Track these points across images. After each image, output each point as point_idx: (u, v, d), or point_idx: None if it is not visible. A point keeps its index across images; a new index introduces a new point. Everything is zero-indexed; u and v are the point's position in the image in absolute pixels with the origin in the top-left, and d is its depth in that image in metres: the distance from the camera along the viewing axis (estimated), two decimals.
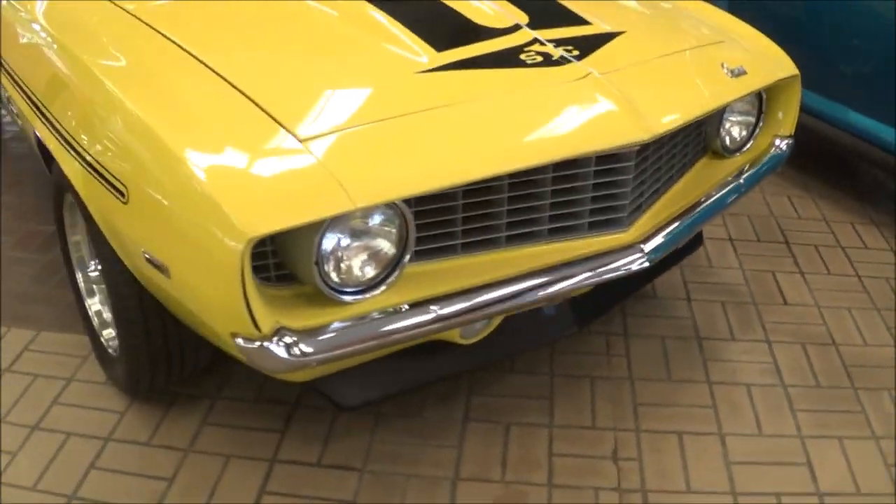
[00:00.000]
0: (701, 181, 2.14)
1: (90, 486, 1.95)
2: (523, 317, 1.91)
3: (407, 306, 1.63)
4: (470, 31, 1.92)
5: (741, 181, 2.15)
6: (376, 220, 1.59)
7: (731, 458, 2.01)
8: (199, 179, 1.48)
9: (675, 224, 1.95)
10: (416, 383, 1.91)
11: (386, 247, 1.62)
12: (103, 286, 2.23)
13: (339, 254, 1.59)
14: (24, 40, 2.18)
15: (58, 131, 1.88)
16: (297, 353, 1.52)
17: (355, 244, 1.60)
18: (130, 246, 1.69)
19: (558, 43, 1.92)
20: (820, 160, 3.36)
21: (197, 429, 2.09)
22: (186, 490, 1.93)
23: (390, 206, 1.56)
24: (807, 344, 2.36)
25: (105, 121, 1.72)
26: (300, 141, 1.55)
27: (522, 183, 1.73)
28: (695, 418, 2.11)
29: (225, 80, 1.70)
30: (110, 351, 2.18)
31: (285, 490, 1.92)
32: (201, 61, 1.76)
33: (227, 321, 1.53)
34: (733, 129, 2.19)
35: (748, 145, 2.23)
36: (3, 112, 3.85)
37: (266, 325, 1.51)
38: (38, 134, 2.08)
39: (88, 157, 1.74)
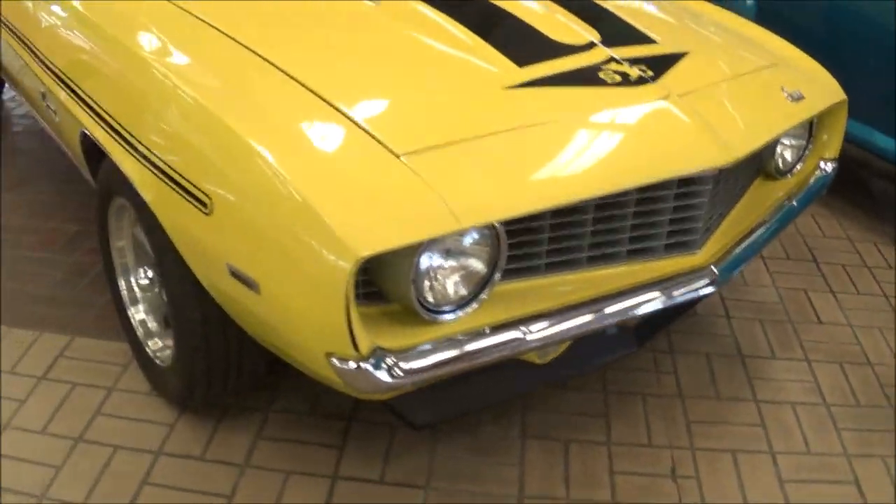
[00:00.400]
0: (756, 204, 2.17)
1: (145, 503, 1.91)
2: (589, 336, 1.92)
3: (488, 329, 1.63)
4: (548, 47, 1.92)
5: (794, 203, 2.19)
6: (472, 239, 1.59)
7: (784, 476, 2.04)
8: (303, 197, 1.45)
9: (742, 246, 1.98)
10: (488, 401, 1.91)
11: (478, 266, 1.61)
12: (149, 294, 2.19)
13: (435, 273, 1.58)
14: (79, 40, 2.11)
15: (123, 137, 1.83)
16: (399, 374, 1.51)
17: (450, 264, 1.59)
18: (210, 258, 1.66)
19: (633, 62, 1.93)
20: (839, 179, 3.43)
21: (252, 443, 2.05)
22: None
23: (487, 225, 1.56)
24: (844, 363, 2.41)
25: (188, 131, 1.68)
26: (398, 156, 1.54)
27: (608, 205, 1.74)
28: (746, 436, 2.14)
29: (314, 92, 1.68)
30: (158, 362, 2.13)
31: None
32: (288, 74, 1.72)
33: (324, 341, 1.50)
34: (786, 153, 2.23)
35: (797, 168, 2.27)
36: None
37: (364, 345, 1.49)
38: (90, 134, 2.02)
39: (164, 167, 1.69)
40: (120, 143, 1.86)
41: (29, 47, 2.43)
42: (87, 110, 2.02)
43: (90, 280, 2.64)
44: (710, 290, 1.87)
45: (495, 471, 2.00)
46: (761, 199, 2.19)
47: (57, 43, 2.24)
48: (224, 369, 1.95)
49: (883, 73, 2.89)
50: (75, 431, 2.09)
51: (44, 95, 2.40)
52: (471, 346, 1.59)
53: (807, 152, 2.28)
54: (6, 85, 4.00)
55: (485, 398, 1.89)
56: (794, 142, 2.24)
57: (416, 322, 1.59)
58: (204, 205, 1.61)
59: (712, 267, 1.89)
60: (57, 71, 2.21)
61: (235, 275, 1.59)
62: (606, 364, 2.20)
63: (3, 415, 2.14)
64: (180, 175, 1.66)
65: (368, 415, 2.14)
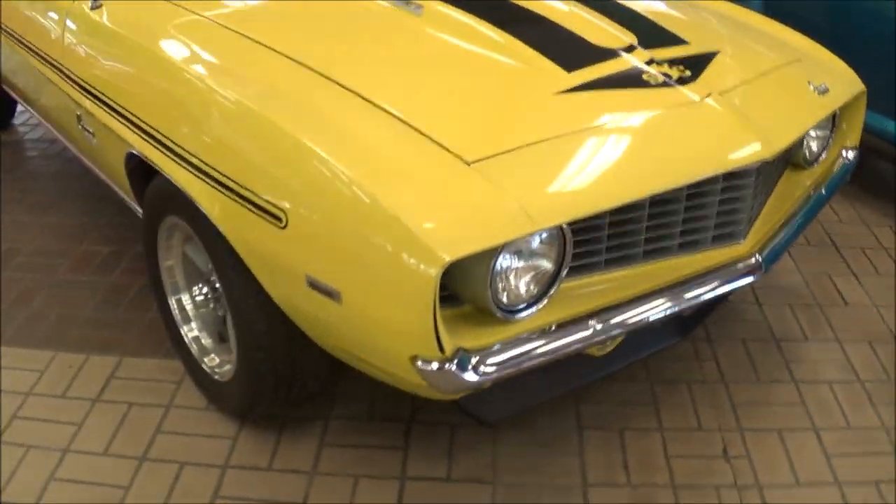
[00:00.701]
0: (787, 194, 2.26)
1: None
2: (640, 328, 2.01)
3: (555, 325, 1.71)
4: (592, 52, 2.00)
5: (822, 191, 2.29)
6: (541, 239, 1.66)
7: (829, 451, 2.14)
8: (384, 205, 1.52)
9: (781, 234, 2.07)
10: (551, 395, 1.98)
11: (547, 265, 1.69)
12: (203, 311, 2.24)
13: (508, 274, 1.65)
14: (125, 61, 2.16)
15: (184, 158, 1.89)
16: (483, 372, 1.58)
17: (522, 264, 1.67)
18: (286, 272, 1.72)
19: (671, 63, 2.01)
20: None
21: (317, 450, 2.11)
22: None
23: (555, 226, 1.63)
24: (872, 341, 2.52)
25: (258, 148, 1.74)
26: (468, 164, 1.61)
27: (661, 201, 1.82)
28: (789, 416, 2.24)
29: (376, 104, 1.75)
30: (217, 377, 2.19)
31: None
32: (347, 88, 1.79)
33: (409, 345, 1.57)
34: (812, 143, 2.33)
35: (822, 157, 2.37)
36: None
37: (449, 347, 1.56)
38: (140, 154, 2.08)
39: (233, 185, 1.75)
40: (180, 164, 1.91)
41: (59, 69, 2.47)
42: (138, 131, 2.07)
43: (130, 300, 2.69)
44: (755, 277, 1.97)
45: (557, 462, 2.08)
46: (791, 189, 2.28)
47: (97, 65, 2.28)
48: (288, 380, 2.02)
49: (885, 63, 3.01)
50: (138, 451, 2.14)
51: (79, 118, 2.44)
52: (546, 342, 1.66)
53: (830, 142, 2.39)
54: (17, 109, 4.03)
55: (548, 392, 1.96)
56: (819, 133, 2.34)
57: (489, 322, 1.67)
58: (278, 219, 1.68)
59: (756, 255, 1.99)
60: (97, 93, 2.26)
61: (314, 286, 1.66)
62: (655, 354, 2.28)
63: (62, 439, 2.18)
64: (251, 192, 1.72)
65: (425, 416, 2.21)
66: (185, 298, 2.29)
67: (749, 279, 1.96)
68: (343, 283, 1.61)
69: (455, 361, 1.57)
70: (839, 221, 3.14)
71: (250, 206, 1.73)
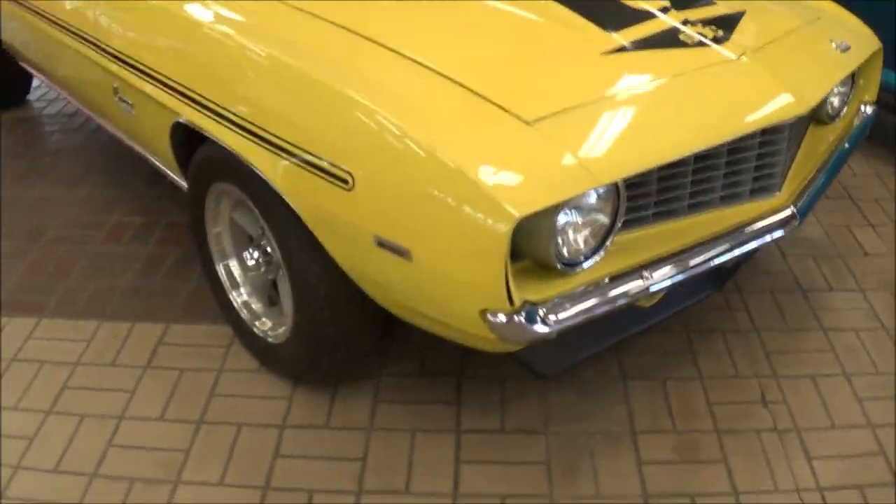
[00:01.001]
0: (814, 148, 2.35)
1: (282, 475, 2.04)
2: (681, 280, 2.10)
3: (609, 277, 1.79)
4: (630, 14, 2.08)
5: (846, 145, 2.38)
6: (598, 195, 1.74)
7: (860, 394, 2.25)
8: (455, 163, 1.59)
9: (812, 186, 2.16)
10: (602, 345, 2.07)
11: (603, 219, 1.77)
12: (253, 275, 2.31)
13: (567, 229, 1.73)
14: (173, 30, 2.19)
15: (241, 126, 1.94)
16: (551, 322, 1.66)
17: (581, 219, 1.74)
18: (354, 233, 1.78)
19: (704, 23, 2.09)
20: None
21: (371, 407, 2.20)
22: (383, 467, 2.05)
23: (611, 182, 1.71)
24: (894, 290, 2.63)
25: (321, 113, 1.79)
26: (528, 123, 1.68)
27: (704, 156, 1.90)
28: (820, 362, 2.35)
29: (430, 68, 1.80)
30: (270, 340, 2.26)
31: (481, 458, 2.06)
32: (401, 53, 1.85)
33: (480, 299, 1.65)
34: (833, 99, 2.41)
35: (843, 112, 2.46)
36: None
37: (518, 300, 1.64)
38: (190, 123, 2.12)
39: (296, 150, 1.81)
40: (236, 131, 1.96)
41: (91, 41, 2.50)
42: (186, 100, 2.12)
43: (169, 268, 2.76)
44: (791, 227, 2.06)
45: (605, 411, 2.18)
46: (816, 144, 2.37)
47: (137, 35, 2.32)
48: (345, 340, 2.09)
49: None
50: (195, 415, 2.22)
51: (116, 90, 2.48)
52: (606, 293, 1.75)
53: (850, 97, 2.48)
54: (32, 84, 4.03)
55: (599, 343, 2.05)
56: (840, 88, 2.43)
57: (549, 275, 1.75)
58: (345, 181, 1.74)
59: (791, 206, 2.08)
60: (138, 63, 2.28)
61: (384, 245, 1.73)
62: (694, 304, 2.37)
63: (116, 407, 2.25)
64: (315, 155, 1.78)
65: (475, 371, 2.30)
66: (234, 264, 2.35)
67: (785, 229, 2.06)
68: (413, 241, 1.68)
69: (523, 314, 1.66)
70: (854, 175, 3.24)
71: (314, 170, 1.79)
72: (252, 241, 2.27)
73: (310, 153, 1.80)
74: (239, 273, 2.35)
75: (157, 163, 2.60)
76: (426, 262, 1.69)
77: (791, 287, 2.61)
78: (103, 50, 2.46)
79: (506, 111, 1.70)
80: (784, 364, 2.33)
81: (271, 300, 2.31)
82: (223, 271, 2.37)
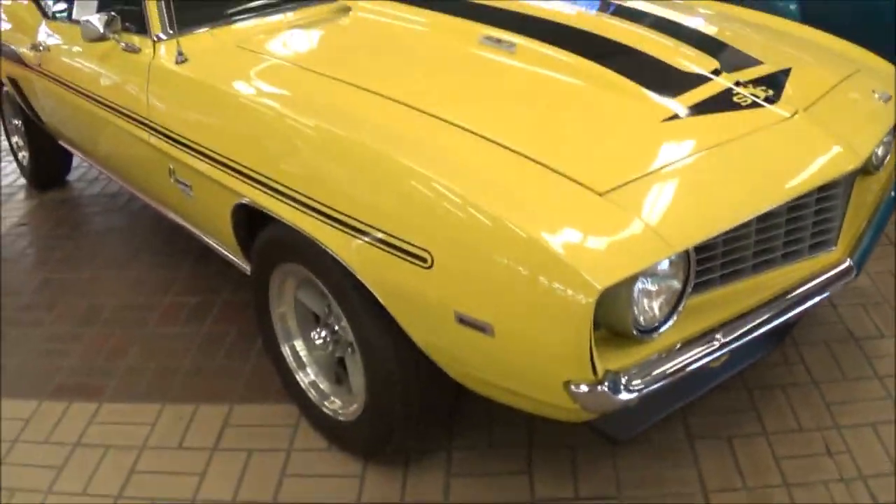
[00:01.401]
0: (862, 199, 2.41)
1: None
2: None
3: (681, 343, 1.84)
4: (683, 78, 2.16)
5: (893, 193, 2.45)
6: (671, 261, 1.80)
7: None
8: (532, 237, 1.65)
9: (866, 238, 2.22)
10: (674, 407, 2.10)
11: (676, 285, 1.82)
12: (320, 355, 2.35)
13: (642, 297, 1.79)
14: (236, 114, 2.28)
15: (312, 207, 2.00)
16: (634, 390, 1.71)
17: (655, 287, 1.80)
18: (433, 310, 1.83)
19: (755, 84, 2.17)
20: None
21: (445, 481, 2.23)
22: None
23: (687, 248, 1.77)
24: None
25: (393, 192, 1.86)
26: (600, 194, 1.74)
27: (765, 216, 1.96)
28: (879, 409, 2.38)
29: (491, 140, 1.88)
30: (340, 418, 2.30)
31: None
32: (465, 128, 1.92)
33: (564, 371, 1.69)
34: (878, 149, 2.48)
35: (886, 161, 2.53)
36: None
37: (601, 369, 1.69)
38: (255, 205, 2.19)
39: (371, 230, 1.87)
40: (306, 212, 2.02)
41: (145, 124, 2.60)
42: (251, 182, 2.18)
43: (228, 348, 2.81)
44: (849, 279, 2.11)
45: (675, 473, 2.20)
46: (864, 195, 2.43)
47: (193, 117, 2.42)
48: (419, 415, 2.13)
49: None
50: (268, 496, 2.25)
51: (172, 171, 2.56)
52: (682, 358, 1.80)
53: (892, 146, 2.55)
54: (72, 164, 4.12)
55: (670, 405, 2.09)
56: (886, 138, 2.50)
57: (626, 343, 1.79)
58: (423, 260, 1.79)
59: (848, 259, 2.13)
60: (196, 145, 2.37)
61: (464, 321, 1.77)
62: (755, 362, 2.41)
63: (187, 490, 2.28)
64: (392, 235, 1.83)
65: (543, 440, 2.33)
66: (299, 344, 2.40)
67: (844, 282, 2.11)
68: (494, 316, 1.73)
69: (606, 383, 1.70)
70: (891, 221, 3.30)
71: (391, 249, 1.85)
72: (318, 321, 2.33)
73: (385, 232, 1.85)
74: (305, 353, 2.40)
75: (214, 243, 2.67)
76: (508, 337, 1.73)
77: (844, 337, 2.65)
78: (157, 131, 2.55)
79: (577, 183, 1.76)
80: (844, 414, 2.36)
81: (338, 378, 2.36)
82: (289, 352, 2.41)
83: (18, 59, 3.73)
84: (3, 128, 4.61)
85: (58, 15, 3.53)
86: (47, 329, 3.06)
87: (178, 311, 3.05)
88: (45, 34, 3.46)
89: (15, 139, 4.42)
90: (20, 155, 4.41)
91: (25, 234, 3.79)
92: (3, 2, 4.28)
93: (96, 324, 3.02)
